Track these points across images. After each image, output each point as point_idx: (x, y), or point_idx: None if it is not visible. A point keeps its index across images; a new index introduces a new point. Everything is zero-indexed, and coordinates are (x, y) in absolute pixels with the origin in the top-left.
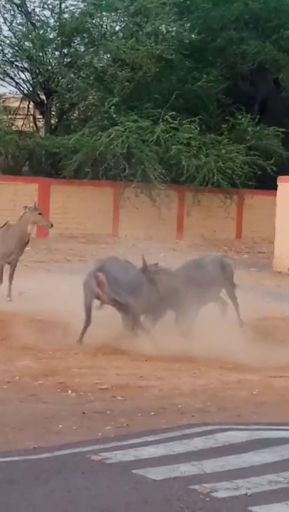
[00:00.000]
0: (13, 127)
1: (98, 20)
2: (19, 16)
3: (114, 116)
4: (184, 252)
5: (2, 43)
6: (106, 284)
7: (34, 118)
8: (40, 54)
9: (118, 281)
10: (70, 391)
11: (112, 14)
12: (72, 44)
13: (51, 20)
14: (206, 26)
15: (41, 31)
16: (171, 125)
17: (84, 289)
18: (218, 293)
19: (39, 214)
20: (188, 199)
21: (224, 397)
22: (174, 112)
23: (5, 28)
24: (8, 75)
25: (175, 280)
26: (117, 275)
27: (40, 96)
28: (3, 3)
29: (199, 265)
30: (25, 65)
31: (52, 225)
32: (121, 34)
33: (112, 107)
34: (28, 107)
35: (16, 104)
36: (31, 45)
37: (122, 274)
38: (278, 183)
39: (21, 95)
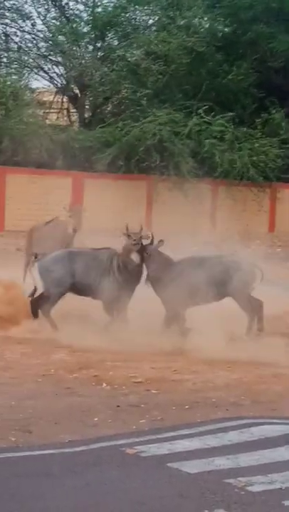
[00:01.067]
0: (47, 121)
1: (131, 13)
2: (53, 10)
3: (146, 108)
4: (216, 245)
5: (36, 37)
6: None
7: (68, 112)
8: (74, 48)
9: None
10: (104, 384)
11: (145, 8)
12: (105, 38)
13: (84, 14)
14: (237, 19)
15: (75, 25)
16: (204, 119)
17: None
18: (214, 298)
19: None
20: (221, 193)
21: (259, 390)
22: (206, 106)
23: (39, 22)
24: (42, 69)
25: (170, 267)
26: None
27: (74, 90)
28: None
29: (199, 264)
30: (59, 59)
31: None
32: (153, 28)
33: (145, 100)
34: (62, 101)
35: (50, 98)
36: (65, 39)
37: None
38: None
39: (55, 89)
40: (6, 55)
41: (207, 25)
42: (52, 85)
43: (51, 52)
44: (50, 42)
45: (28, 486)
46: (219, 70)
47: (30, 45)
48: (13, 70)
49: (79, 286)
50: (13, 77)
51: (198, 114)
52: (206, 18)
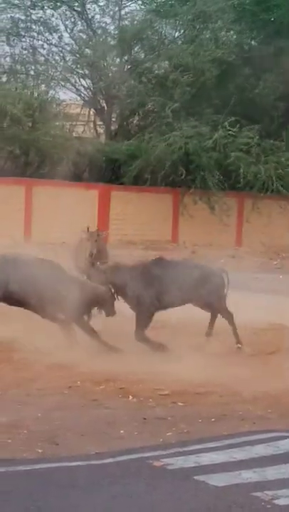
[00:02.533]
0: (73, 134)
1: (158, 26)
2: (80, 23)
3: (173, 122)
4: (243, 258)
5: (63, 50)
6: None
7: (94, 124)
8: (101, 61)
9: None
10: (131, 397)
11: (172, 20)
12: (132, 51)
13: (111, 27)
14: (263, 32)
15: (102, 38)
16: (230, 132)
17: None
18: (183, 301)
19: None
20: (247, 206)
21: (286, 404)
22: (233, 119)
23: (66, 35)
24: (69, 81)
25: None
26: None
27: (101, 102)
28: (64, 10)
29: (164, 266)
30: (86, 72)
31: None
32: (180, 41)
33: (171, 113)
34: (89, 114)
35: (77, 110)
36: (92, 52)
37: None
38: None
39: (82, 102)
40: (33, 67)
41: (234, 38)
42: (79, 98)
43: (78, 65)
44: (77, 55)
45: (54, 498)
46: (246, 83)
47: (57, 57)
48: (40, 83)
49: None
50: (41, 89)
51: (224, 127)
52: (232, 32)
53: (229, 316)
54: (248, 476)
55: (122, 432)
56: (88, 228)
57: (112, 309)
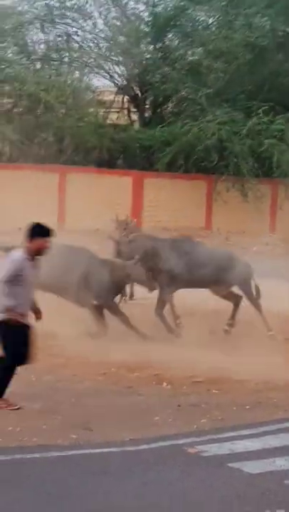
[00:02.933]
0: (107, 121)
1: (191, 12)
2: (113, 9)
3: (207, 108)
4: (277, 245)
5: (97, 37)
6: None
7: (128, 111)
8: (135, 47)
9: None
10: (165, 383)
11: (205, 7)
12: (165, 37)
13: (145, 14)
14: None
15: (135, 25)
16: (264, 120)
17: None
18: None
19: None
20: (280, 193)
21: None
22: (266, 106)
23: (100, 22)
24: (103, 68)
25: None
26: None
27: (135, 89)
28: None
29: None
30: (120, 59)
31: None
32: (213, 27)
33: (205, 99)
34: (123, 101)
35: (111, 97)
36: (126, 39)
37: None
38: None
39: (116, 89)
40: (67, 54)
41: (268, 23)
42: (113, 85)
43: (112, 52)
44: (111, 42)
45: (88, 484)
46: (280, 69)
47: (91, 44)
48: (74, 70)
49: None
50: (74, 76)
51: (258, 114)
52: (265, 18)
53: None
54: (282, 463)
55: (156, 418)
56: (117, 217)
57: (151, 283)
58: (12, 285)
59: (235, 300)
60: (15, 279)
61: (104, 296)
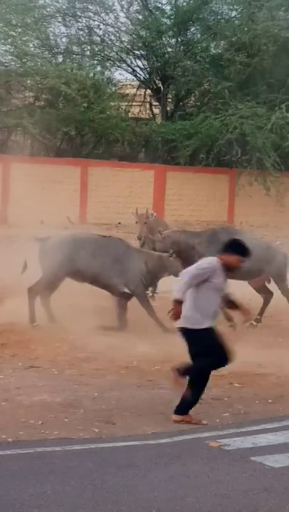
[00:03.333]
0: (129, 114)
1: (213, 5)
2: (136, 3)
3: (229, 101)
4: None
5: (119, 30)
6: None
7: (150, 105)
8: (157, 41)
9: None
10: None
11: (228, 0)
12: (188, 31)
13: (167, 7)
14: None
15: (157, 18)
16: (287, 114)
17: None
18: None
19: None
20: None
21: None
22: None
23: (122, 15)
24: (125, 62)
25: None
26: None
27: (157, 83)
28: None
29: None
30: (142, 52)
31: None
32: (236, 20)
33: (227, 92)
34: (145, 94)
35: (133, 91)
36: (148, 33)
37: None
38: None
39: (138, 82)
40: (89, 47)
41: None
42: (134, 78)
43: (134, 46)
44: (133, 35)
45: (111, 477)
46: None
47: (113, 38)
48: (96, 63)
49: None
50: (96, 69)
51: (281, 108)
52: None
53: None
54: None
55: None
56: (137, 210)
57: None
58: (199, 288)
59: (266, 296)
60: (203, 282)
61: (137, 283)
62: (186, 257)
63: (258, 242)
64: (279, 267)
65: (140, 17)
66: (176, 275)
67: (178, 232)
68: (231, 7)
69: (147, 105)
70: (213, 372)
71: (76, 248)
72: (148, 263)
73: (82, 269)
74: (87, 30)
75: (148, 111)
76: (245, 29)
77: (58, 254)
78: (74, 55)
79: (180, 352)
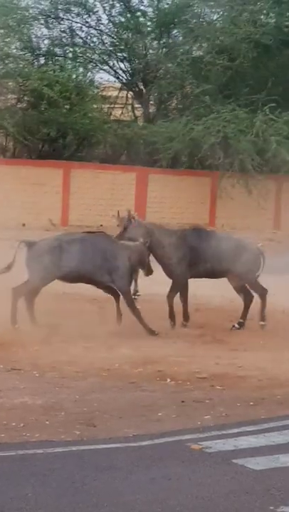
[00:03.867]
0: (111, 116)
1: (196, 8)
2: (118, 5)
3: (211, 104)
4: (281, 242)
5: (101, 32)
6: None
7: (132, 107)
8: (139, 44)
9: None
10: (168, 379)
11: (210, 3)
12: (170, 33)
13: (149, 10)
14: None
15: (139, 21)
16: (270, 116)
17: None
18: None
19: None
20: (286, 189)
21: None
22: (273, 104)
23: (104, 17)
24: (107, 64)
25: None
26: None
27: (139, 85)
28: None
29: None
30: (124, 55)
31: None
32: (218, 23)
33: (208, 96)
34: (127, 96)
35: (115, 93)
36: (130, 35)
37: None
38: None
39: (120, 84)
40: (71, 50)
41: (273, 21)
42: (117, 80)
43: (116, 48)
44: (115, 37)
45: (93, 480)
46: (286, 64)
47: (95, 40)
48: (78, 65)
49: None
50: (78, 72)
51: (264, 111)
52: (271, 14)
53: (263, 292)
54: (287, 459)
55: (160, 414)
56: (119, 213)
57: (150, 267)
58: None
59: (246, 298)
60: None
61: (125, 280)
62: (154, 254)
63: (227, 240)
64: (247, 265)
65: (122, 19)
66: (147, 272)
67: (153, 225)
68: (213, 10)
69: (129, 107)
70: (195, 375)
71: (64, 250)
72: (131, 258)
73: (73, 271)
74: (69, 32)
75: (130, 113)
76: (227, 32)
77: (47, 258)
78: (56, 57)
79: (162, 354)
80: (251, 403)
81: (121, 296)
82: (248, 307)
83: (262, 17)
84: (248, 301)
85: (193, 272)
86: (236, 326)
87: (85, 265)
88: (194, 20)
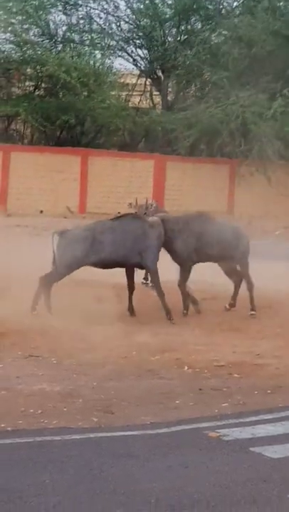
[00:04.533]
0: (129, 104)
1: None
2: None
3: (230, 91)
4: None
5: (120, 20)
6: None
7: (151, 95)
8: (157, 31)
9: None
10: (186, 367)
11: None
12: (188, 21)
13: None
14: None
15: (158, 8)
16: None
17: None
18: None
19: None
20: None
21: None
22: None
23: (122, 3)
24: (125, 51)
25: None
26: None
27: (157, 73)
28: None
29: (204, 221)
30: (143, 42)
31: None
32: (237, 11)
33: (227, 82)
34: (145, 84)
35: (133, 80)
36: (149, 22)
37: None
38: None
39: (138, 72)
40: (89, 37)
41: None
42: (135, 68)
43: (135, 35)
44: (134, 25)
45: (110, 467)
46: None
47: (113, 27)
48: (96, 52)
49: None
50: (96, 58)
51: (283, 95)
52: None
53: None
54: None
55: (177, 402)
56: (136, 201)
57: None
58: None
59: (236, 280)
60: None
61: (154, 261)
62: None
63: (227, 227)
64: (243, 251)
65: (141, 6)
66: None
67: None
68: None
69: (148, 95)
70: (212, 363)
71: (96, 240)
72: (160, 236)
73: (107, 257)
74: (87, 19)
75: (148, 100)
76: (246, 24)
77: (78, 246)
78: (74, 44)
79: (180, 341)
80: (269, 391)
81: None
82: (238, 288)
83: (281, 4)
84: (238, 282)
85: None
86: (226, 306)
87: (118, 252)
88: (213, 8)
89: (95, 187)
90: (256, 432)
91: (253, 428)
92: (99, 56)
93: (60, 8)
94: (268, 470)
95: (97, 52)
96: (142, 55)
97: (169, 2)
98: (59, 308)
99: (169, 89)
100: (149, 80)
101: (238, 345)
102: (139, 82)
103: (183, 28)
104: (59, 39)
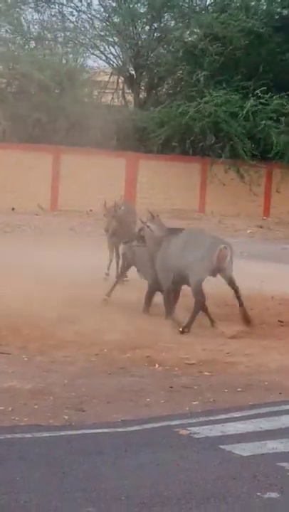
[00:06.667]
0: (102, 101)
1: None
2: None
3: (203, 89)
4: (271, 229)
5: (92, 17)
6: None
7: (123, 92)
8: (130, 28)
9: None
10: (157, 365)
11: None
12: (162, 19)
13: None
14: None
15: (131, 5)
16: (261, 100)
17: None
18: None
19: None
20: (276, 176)
21: None
22: (264, 87)
23: (95, 1)
24: (98, 48)
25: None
26: None
27: (130, 70)
28: None
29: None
30: (115, 40)
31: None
32: (210, 9)
33: (201, 80)
34: (118, 81)
35: (106, 78)
36: (121, 20)
37: None
38: None
39: (111, 69)
40: (61, 34)
41: (264, 7)
42: (108, 65)
43: (107, 33)
44: (107, 22)
45: (81, 465)
46: (277, 50)
47: (86, 25)
48: (69, 50)
49: None
50: (69, 56)
51: (255, 95)
52: (262, 1)
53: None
54: (274, 446)
55: (148, 399)
56: (105, 203)
57: None
58: None
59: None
60: None
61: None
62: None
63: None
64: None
65: (113, 3)
66: None
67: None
68: None
69: (120, 92)
70: (183, 361)
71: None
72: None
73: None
74: (60, 17)
75: (121, 98)
76: (219, 22)
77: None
78: (47, 42)
79: (151, 339)
80: (239, 389)
81: None
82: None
83: (253, 3)
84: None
85: None
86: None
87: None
88: (186, 6)
89: (66, 184)
90: (226, 430)
91: (223, 426)
92: (71, 54)
93: (32, 5)
94: (238, 467)
95: (69, 49)
96: (115, 53)
97: None
98: (32, 306)
99: (142, 87)
100: (121, 77)
101: (209, 344)
102: (111, 79)
103: (156, 25)
104: (32, 37)
